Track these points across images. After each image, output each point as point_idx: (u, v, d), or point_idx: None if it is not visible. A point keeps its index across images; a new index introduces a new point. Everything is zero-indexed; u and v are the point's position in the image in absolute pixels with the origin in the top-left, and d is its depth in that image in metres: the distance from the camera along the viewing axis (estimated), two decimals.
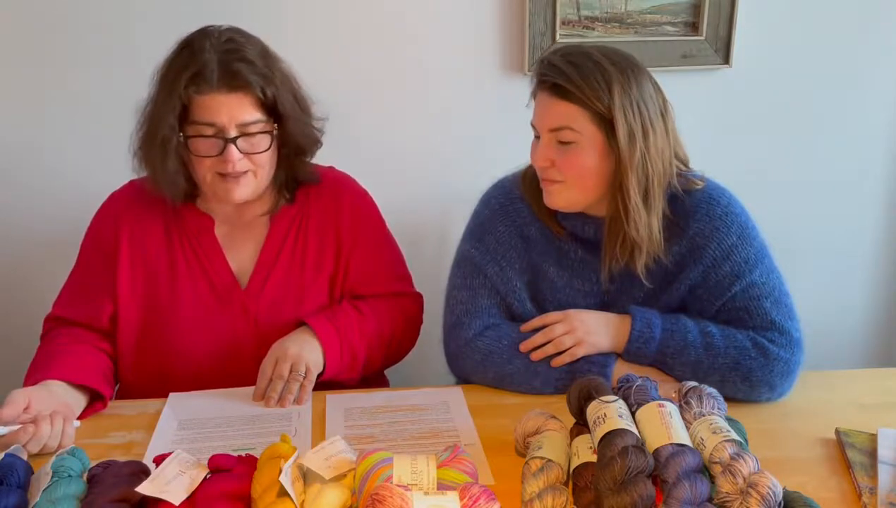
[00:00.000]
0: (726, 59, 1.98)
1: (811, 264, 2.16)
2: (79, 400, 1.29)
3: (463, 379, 1.42)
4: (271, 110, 1.33)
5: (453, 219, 1.67)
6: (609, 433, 0.98)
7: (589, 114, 1.25)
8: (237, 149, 1.30)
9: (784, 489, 0.95)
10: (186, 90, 1.28)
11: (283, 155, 1.40)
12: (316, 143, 1.45)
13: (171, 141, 1.31)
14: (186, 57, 1.29)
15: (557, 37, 1.91)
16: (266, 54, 1.34)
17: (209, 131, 1.30)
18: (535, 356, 1.34)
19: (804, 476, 1.09)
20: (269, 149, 1.34)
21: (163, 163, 1.33)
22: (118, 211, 1.45)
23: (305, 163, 1.44)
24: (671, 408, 1.05)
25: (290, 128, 1.36)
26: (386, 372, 1.60)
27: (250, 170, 1.33)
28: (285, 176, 1.43)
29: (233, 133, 1.29)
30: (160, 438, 1.22)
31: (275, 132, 1.35)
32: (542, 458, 1.03)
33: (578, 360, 1.32)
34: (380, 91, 1.95)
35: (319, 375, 1.36)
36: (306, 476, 1.00)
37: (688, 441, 1.00)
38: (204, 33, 1.32)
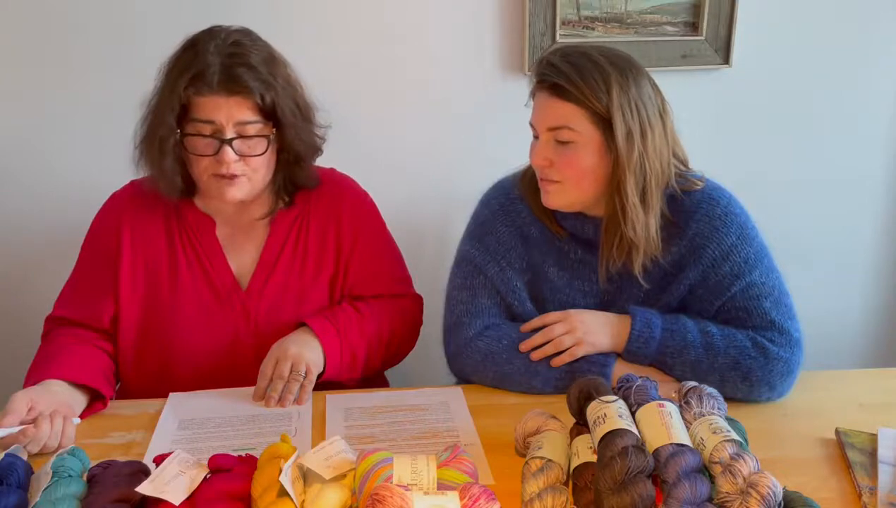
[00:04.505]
0: (726, 59, 1.98)
1: (811, 264, 2.16)
2: (79, 400, 1.29)
3: (463, 379, 1.42)
4: (270, 115, 1.33)
5: (453, 219, 1.67)
6: (609, 433, 0.98)
7: (587, 113, 1.25)
8: (233, 150, 1.30)
9: (784, 489, 0.95)
10: (186, 91, 1.28)
11: (282, 159, 1.40)
12: (316, 151, 1.45)
13: (168, 140, 1.31)
14: (190, 57, 1.30)
15: (557, 37, 1.92)
16: (271, 60, 1.34)
17: (207, 130, 1.30)
18: (535, 356, 1.34)
19: (804, 476, 1.09)
20: (265, 152, 1.34)
21: (160, 160, 1.33)
22: (119, 211, 1.45)
23: (304, 168, 1.44)
24: (671, 408, 1.05)
25: (289, 134, 1.36)
26: (386, 372, 1.60)
27: (245, 174, 1.33)
28: (283, 180, 1.43)
29: (230, 134, 1.30)
30: (160, 438, 1.22)
31: (272, 136, 1.35)
32: (542, 458, 1.03)
33: (578, 360, 1.32)
34: (380, 91, 1.95)
35: (319, 375, 1.36)
36: (306, 476, 1.00)
37: (688, 441, 1.00)
38: (210, 34, 1.32)
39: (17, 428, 1.15)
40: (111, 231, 1.44)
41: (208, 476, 1.01)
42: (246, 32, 1.35)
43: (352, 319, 1.43)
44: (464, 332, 1.39)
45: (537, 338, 1.34)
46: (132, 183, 1.49)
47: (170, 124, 1.30)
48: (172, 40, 1.34)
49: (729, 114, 2.06)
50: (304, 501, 0.96)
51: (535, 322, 1.37)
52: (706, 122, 2.00)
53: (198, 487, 0.98)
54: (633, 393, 1.09)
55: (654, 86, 1.30)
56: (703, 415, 1.06)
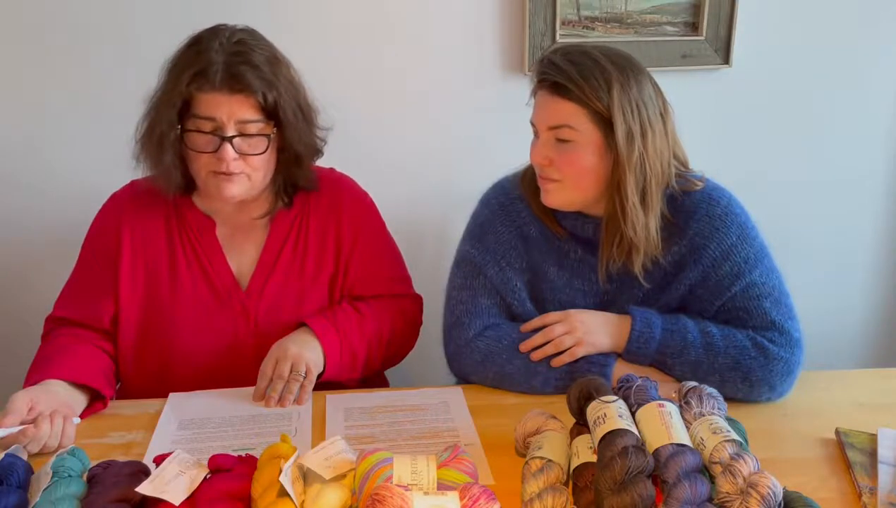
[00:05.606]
0: (726, 59, 1.98)
1: (811, 264, 2.16)
2: (79, 400, 1.29)
3: (463, 379, 1.42)
4: (272, 115, 1.33)
5: (453, 219, 1.67)
6: (609, 433, 0.98)
7: (588, 112, 1.25)
8: (233, 148, 1.30)
9: (784, 489, 0.95)
10: (189, 87, 1.28)
11: (282, 160, 1.40)
12: (316, 152, 1.45)
13: (168, 136, 1.31)
14: (194, 54, 1.30)
15: (557, 37, 1.92)
16: (274, 60, 1.34)
17: (207, 127, 1.30)
18: (535, 356, 1.34)
19: (804, 476, 1.09)
20: (265, 152, 1.34)
21: (160, 156, 1.33)
22: (119, 211, 1.45)
23: (304, 169, 1.43)
24: (671, 408, 1.05)
25: (289, 135, 1.36)
26: (386, 371, 1.60)
27: (244, 172, 1.34)
28: (283, 181, 1.43)
29: (230, 131, 1.30)
30: (160, 438, 1.22)
31: (272, 136, 1.35)
32: (542, 458, 1.03)
33: (578, 360, 1.32)
34: (380, 91, 1.95)
35: (319, 375, 1.36)
36: (306, 476, 1.00)
37: (688, 441, 1.00)
38: (215, 32, 1.32)
39: (17, 428, 1.15)
40: (111, 231, 1.44)
41: (208, 476, 1.01)
42: (250, 32, 1.35)
43: (352, 319, 1.43)
44: (464, 332, 1.39)
45: (537, 338, 1.34)
46: (132, 183, 1.49)
47: (170, 120, 1.30)
48: (173, 40, 1.34)
49: (729, 114, 2.06)
50: (304, 501, 0.96)
51: (535, 322, 1.37)
52: (706, 122, 2.00)
53: (198, 487, 0.98)
54: (633, 393, 1.09)
55: (655, 86, 1.30)
56: (703, 415, 1.06)
